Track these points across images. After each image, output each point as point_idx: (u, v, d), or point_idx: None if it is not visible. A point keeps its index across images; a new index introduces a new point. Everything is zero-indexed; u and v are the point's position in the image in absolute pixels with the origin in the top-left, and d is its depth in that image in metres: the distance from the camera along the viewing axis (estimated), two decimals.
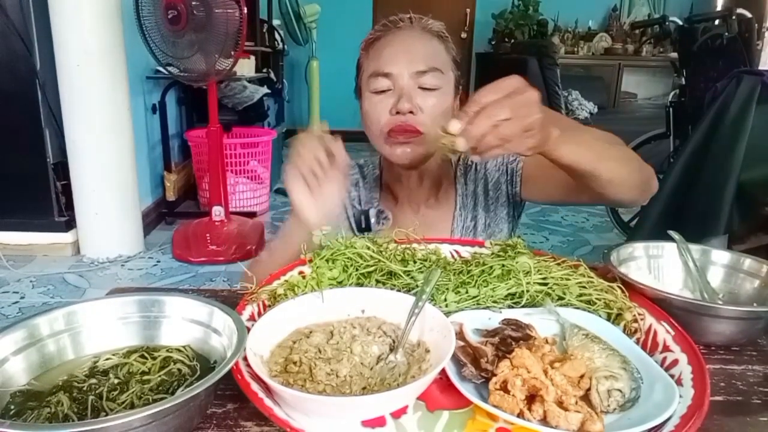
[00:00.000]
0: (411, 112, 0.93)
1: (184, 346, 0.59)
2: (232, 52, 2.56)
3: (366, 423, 0.52)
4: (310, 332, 0.63)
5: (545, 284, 0.71)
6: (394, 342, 0.62)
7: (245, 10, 2.48)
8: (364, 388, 0.56)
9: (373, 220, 0.99)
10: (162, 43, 2.52)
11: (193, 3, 2.41)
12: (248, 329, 0.56)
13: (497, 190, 1.08)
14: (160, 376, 0.54)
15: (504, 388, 0.52)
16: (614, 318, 0.68)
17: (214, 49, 2.53)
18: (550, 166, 0.92)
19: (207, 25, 2.47)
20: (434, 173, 1.06)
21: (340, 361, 0.58)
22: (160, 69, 3.18)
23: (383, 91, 0.95)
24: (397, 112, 0.93)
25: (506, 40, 5.73)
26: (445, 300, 0.69)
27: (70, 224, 2.82)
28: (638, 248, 0.83)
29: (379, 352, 0.61)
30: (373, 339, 0.62)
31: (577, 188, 0.89)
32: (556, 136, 0.69)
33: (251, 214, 3.45)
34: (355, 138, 1.11)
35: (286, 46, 5.21)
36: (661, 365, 0.59)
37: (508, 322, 0.63)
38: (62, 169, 2.75)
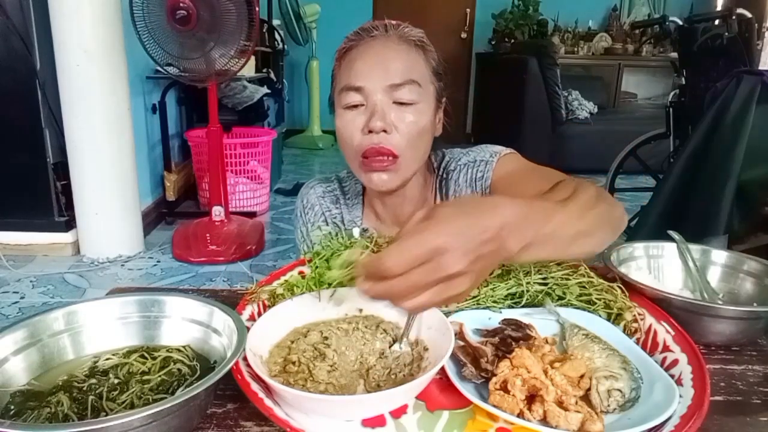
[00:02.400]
0: (384, 131, 0.85)
1: (184, 346, 0.59)
2: (242, 52, 2.56)
3: (366, 423, 0.52)
4: (308, 332, 0.63)
5: (545, 284, 0.71)
6: (394, 340, 0.62)
7: (257, 9, 2.48)
8: (368, 374, 0.57)
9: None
10: (167, 44, 2.51)
11: (203, 3, 2.40)
12: (248, 329, 0.56)
13: None
14: (160, 376, 0.54)
15: (504, 388, 0.52)
16: (614, 318, 0.68)
17: (224, 50, 2.53)
18: (518, 188, 0.90)
19: (217, 26, 2.47)
20: (416, 191, 0.99)
21: (341, 356, 0.59)
22: (161, 69, 3.19)
23: (355, 106, 0.87)
24: (370, 131, 0.85)
25: (506, 40, 5.73)
26: None
27: (70, 224, 2.82)
28: (638, 248, 0.83)
29: (381, 347, 0.61)
30: (373, 335, 0.62)
31: None
32: (516, 250, 0.54)
33: (251, 214, 3.45)
34: None
35: (286, 46, 5.21)
36: (661, 365, 0.59)
37: (508, 322, 0.63)
38: (62, 169, 2.75)
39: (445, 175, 1.03)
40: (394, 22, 0.92)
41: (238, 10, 2.46)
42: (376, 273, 0.50)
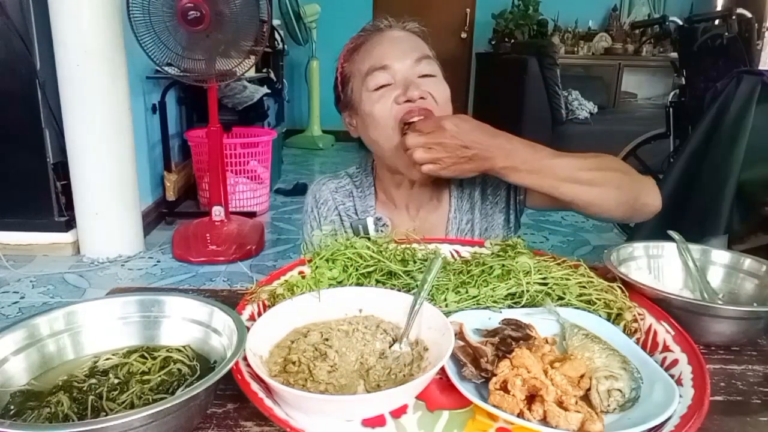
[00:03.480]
0: (422, 98, 0.91)
1: (184, 346, 0.59)
2: (249, 53, 2.59)
3: (366, 422, 0.52)
4: (308, 332, 0.63)
5: (545, 284, 0.71)
6: (394, 340, 0.62)
7: (269, 11, 2.49)
8: (368, 374, 0.57)
9: (371, 229, 0.97)
10: (174, 44, 2.50)
11: (215, 3, 2.41)
12: (248, 329, 0.56)
13: (496, 195, 1.06)
14: (160, 376, 0.54)
15: (504, 388, 0.52)
16: (614, 318, 0.68)
17: (233, 51, 2.54)
18: None
19: (229, 27, 2.48)
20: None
21: (342, 357, 0.59)
22: (161, 69, 3.18)
23: (384, 86, 0.92)
24: (407, 101, 0.90)
25: (506, 40, 5.73)
26: (445, 300, 0.69)
27: (70, 224, 2.82)
28: (638, 248, 0.83)
29: (381, 348, 0.61)
30: (373, 336, 0.62)
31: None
32: (500, 166, 0.84)
33: (251, 214, 3.45)
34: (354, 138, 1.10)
35: (286, 46, 5.21)
36: (661, 365, 0.59)
37: (508, 322, 0.63)
38: (62, 169, 2.75)
39: None
40: (393, 18, 1.00)
41: (249, 11, 2.47)
42: (414, 129, 0.87)
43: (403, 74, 0.92)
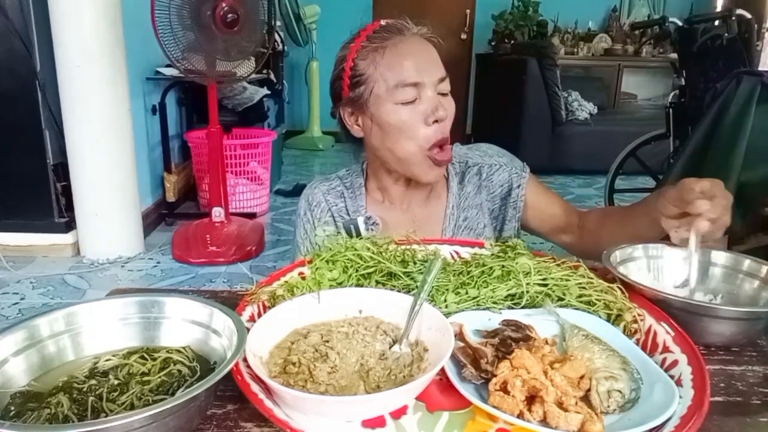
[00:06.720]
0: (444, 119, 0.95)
1: (184, 347, 0.59)
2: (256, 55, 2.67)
3: (366, 423, 0.52)
4: (308, 333, 0.63)
5: (545, 285, 0.71)
6: (394, 341, 0.62)
7: (275, 13, 2.56)
8: (368, 375, 0.57)
9: (362, 228, 0.98)
10: (208, 45, 2.53)
11: (250, 6, 2.46)
12: (248, 330, 0.56)
13: (493, 203, 1.08)
14: (160, 377, 0.54)
15: (504, 388, 0.52)
16: (614, 319, 0.68)
17: (254, 51, 2.62)
18: (545, 199, 1.07)
19: (251, 29, 2.54)
20: None
21: (342, 358, 0.59)
22: (161, 70, 3.18)
23: (410, 102, 0.93)
24: (435, 121, 0.93)
25: (506, 41, 5.73)
26: (445, 301, 0.69)
27: (70, 225, 2.82)
28: (638, 249, 0.83)
29: (381, 349, 0.61)
30: (373, 337, 0.62)
31: (562, 230, 1.06)
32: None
33: (251, 215, 3.46)
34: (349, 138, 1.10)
35: (286, 48, 5.21)
36: (661, 366, 0.59)
37: (507, 323, 0.63)
38: (62, 170, 2.75)
39: (463, 167, 1.10)
40: (411, 22, 0.99)
41: (261, 14, 2.53)
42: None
43: (431, 93, 0.94)
